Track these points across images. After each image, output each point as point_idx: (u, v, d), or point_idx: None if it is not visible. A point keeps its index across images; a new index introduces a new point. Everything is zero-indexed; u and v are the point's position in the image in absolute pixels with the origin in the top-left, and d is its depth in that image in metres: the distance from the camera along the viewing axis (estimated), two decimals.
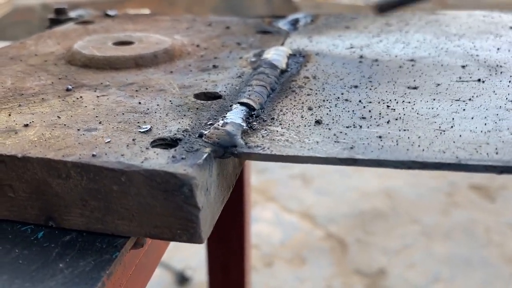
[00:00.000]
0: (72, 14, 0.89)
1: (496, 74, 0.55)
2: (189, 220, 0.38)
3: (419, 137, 0.41)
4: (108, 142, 0.41)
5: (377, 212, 2.35)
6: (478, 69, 0.56)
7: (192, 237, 0.38)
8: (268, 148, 0.41)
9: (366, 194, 2.50)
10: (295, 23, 0.76)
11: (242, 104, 0.47)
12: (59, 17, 0.87)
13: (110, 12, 0.86)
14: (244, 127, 0.43)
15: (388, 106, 0.48)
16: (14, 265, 0.37)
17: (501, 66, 0.57)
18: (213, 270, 1.18)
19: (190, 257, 2.00)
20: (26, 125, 0.44)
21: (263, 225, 2.29)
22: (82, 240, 0.40)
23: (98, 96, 0.51)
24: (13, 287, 0.34)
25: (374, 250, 2.09)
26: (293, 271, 1.99)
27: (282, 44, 0.68)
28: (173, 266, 1.99)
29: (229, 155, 0.41)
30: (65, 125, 0.44)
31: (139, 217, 0.39)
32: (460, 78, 0.54)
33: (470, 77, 0.54)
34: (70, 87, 0.53)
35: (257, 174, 2.69)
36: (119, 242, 0.39)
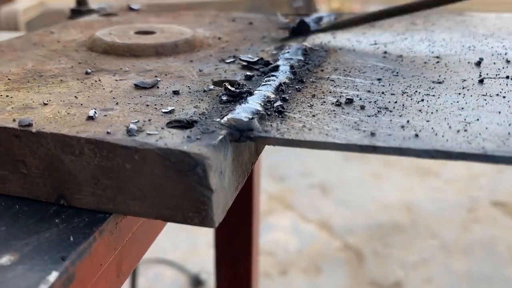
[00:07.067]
0: (93, 5, 0.90)
1: None
2: (202, 202, 0.37)
3: (443, 128, 0.40)
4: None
5: (396, 224, 2.31)
6: (507, 67, 0.54)
7: (203, 220, 0.37)
8: (286, 133, 0.39)
9: (385, 206, 2.46)
10: (318, 21, 0.75)
11: (261, 90, 0.46)
12: (80, 7, 0.88)
13: (134, 6, 0.86)
14: (262, 113, 0.42)
15: (412, 98, 0.46)
16: (13, 219, 0.39)
17: None
18: (221, 273, 1.17)
19: (205, 261, 1.99)
20: (43, 104, 0.44)
21: (280, 233, 2.27)
22: None
23: (116, 80, 0.51)
24: (10, 237, 0.36)
25: (391, 262, 2.05)
26: (308, 280, 1.97)
27: (304, 40, 0.67)
28: (188, 269, 1.99)
29: (245, 139, 0.40)
30: (81, 104, 0.44)
31: (151, 198, 0.38)
32: (487, 74, 0.52)
33: (498, 75, 0.52)
34: (89, 70, 0.53)
35: (276, 182, 2.68)
36: None
